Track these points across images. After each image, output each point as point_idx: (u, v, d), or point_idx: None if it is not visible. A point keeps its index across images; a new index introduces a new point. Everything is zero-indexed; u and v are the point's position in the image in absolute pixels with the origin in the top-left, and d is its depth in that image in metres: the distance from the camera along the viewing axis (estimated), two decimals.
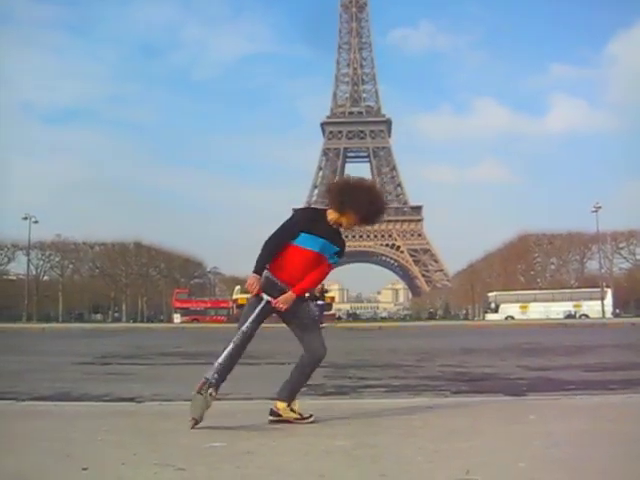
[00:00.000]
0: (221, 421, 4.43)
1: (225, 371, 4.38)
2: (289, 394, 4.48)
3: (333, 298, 64.64)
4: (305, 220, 4.55)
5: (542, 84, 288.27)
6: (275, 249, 4.51)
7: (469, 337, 20.50)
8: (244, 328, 4.42)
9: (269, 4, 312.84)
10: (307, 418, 4.45)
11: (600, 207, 61.56)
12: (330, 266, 4.64)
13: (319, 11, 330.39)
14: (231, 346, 4.38)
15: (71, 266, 78.52)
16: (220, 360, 4.34)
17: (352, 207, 4.48)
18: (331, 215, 4.56)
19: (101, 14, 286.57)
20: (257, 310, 4.47)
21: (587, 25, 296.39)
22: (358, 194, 4.48)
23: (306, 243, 4.52)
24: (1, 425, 4.66)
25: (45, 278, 76.40)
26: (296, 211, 4.69)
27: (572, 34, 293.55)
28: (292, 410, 4.45)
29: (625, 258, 73.79)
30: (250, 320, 4.44)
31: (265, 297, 4.49)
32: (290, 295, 4.48)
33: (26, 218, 61.70)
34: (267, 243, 4.51)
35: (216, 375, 4.31)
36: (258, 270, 4.47)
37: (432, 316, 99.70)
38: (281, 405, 4.46)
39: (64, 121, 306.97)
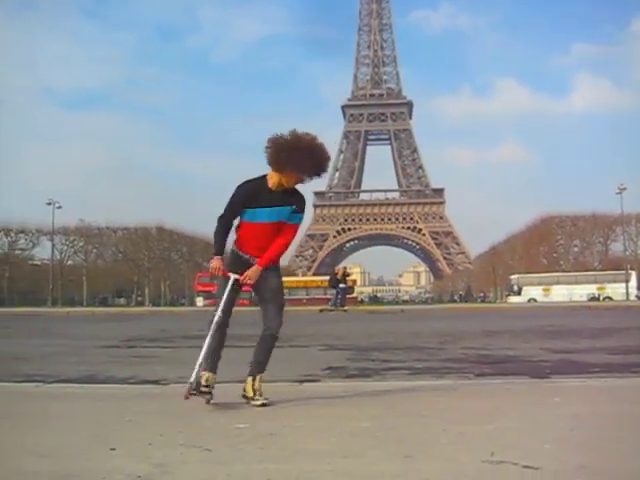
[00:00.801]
0: (245, 403, 4.46)
1: (213, 363, 4.51)
2: (252, 370, 4.53)
3: (355, 281, 64.71)
4: (243, 197, 4.51)
5: (564, 64, 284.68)
6: (225, 230, 4.54)
7: (492, 320, 20.42)
8: (216, 318, 4.45)
9: None
10: (257, 401, 4.42)
11: (625, 188, 60.75)
12: (294, 227, 4.59)
13: None
14: (209, 340, 4.43)
15: (94, 251, 79.10)
16: (200, 360, 4.41)
17: (291, 165, 4.37)
18: (273, 179, 4.48)
19: None
20: (226, 292, 4.51)
21: (610, 2, 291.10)
22: (295, 151, 4.34)
23: (255, 217, 4.50)
24: (31, 406, 4.73)
25: (69, 263, 77.01)
26: (236, 189, 4.57)
27: (595, 12, 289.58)
28: (252, 388, 4.48)
29: None
30: (220, 308, 4.48)
31: (232, 276, 4.52)
32: (256, 268, 4.50)
33: (50, 204, 62.18)
34: (217, 227, 4.53)
35: (198, 375, 4.41)
36: (218, 252, 4.53)
37: (463, 298, 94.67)
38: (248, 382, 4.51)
39: (85, 106, 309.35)
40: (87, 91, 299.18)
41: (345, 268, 32.12)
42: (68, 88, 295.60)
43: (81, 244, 77.14)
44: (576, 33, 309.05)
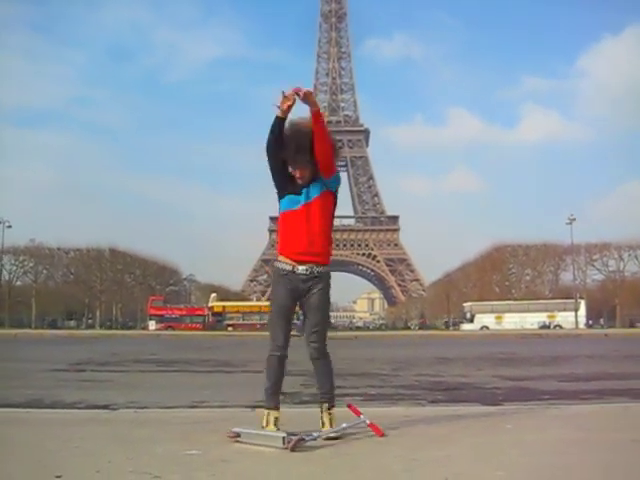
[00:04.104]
0: (197, 429, 4.38)
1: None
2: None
3: None
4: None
5: (514, 95, 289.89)
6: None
7: (445, 347, 20.56)
8: None
9: (242, 9, 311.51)
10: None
11: (574, 219, 62.26)
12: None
13: (299, 19, 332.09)
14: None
15: (45, 272, 77.62)
16: None
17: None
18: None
19: (69, 14, 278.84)
20: None
21: (559, 38, 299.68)
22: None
23: (291, 204, 4.19)
24: None
25: (18, 283, 75.46)
26: None
27: (545, 47, 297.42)
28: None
29: (598, 270, 74.56)
30: None
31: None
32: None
33: None
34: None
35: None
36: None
37: (422, 326, 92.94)
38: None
39: (34, 124, 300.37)
40: (36, 108, 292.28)
41: None
42: (16, 105, 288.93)
43: (31, 264, 75.65)
44: (526, 66, 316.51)
